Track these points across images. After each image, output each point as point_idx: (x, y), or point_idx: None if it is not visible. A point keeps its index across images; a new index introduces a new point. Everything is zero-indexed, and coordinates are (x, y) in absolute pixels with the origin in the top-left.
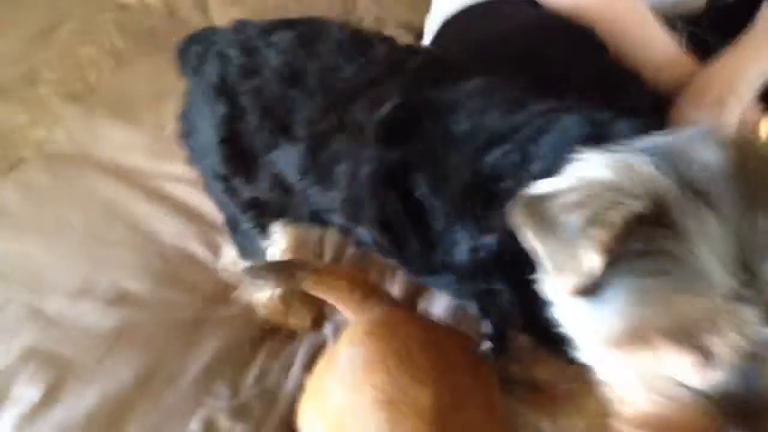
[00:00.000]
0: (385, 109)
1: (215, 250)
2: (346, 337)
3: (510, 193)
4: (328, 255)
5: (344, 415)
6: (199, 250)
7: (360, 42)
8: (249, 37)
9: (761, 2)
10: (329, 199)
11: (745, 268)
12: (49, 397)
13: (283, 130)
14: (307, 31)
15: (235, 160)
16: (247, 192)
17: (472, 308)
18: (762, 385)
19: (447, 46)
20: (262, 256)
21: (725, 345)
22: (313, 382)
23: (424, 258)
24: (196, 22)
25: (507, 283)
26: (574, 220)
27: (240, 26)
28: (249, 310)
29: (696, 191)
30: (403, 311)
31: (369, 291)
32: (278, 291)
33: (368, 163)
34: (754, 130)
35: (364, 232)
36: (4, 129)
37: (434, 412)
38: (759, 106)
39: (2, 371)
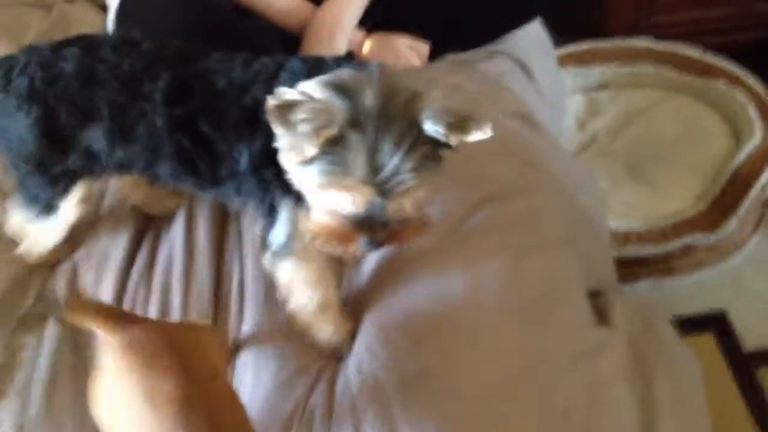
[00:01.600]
0: (164, 81)
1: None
2: (106, 355)
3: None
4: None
5: (119, 412)
6: None
7: (128, 43)
8: (43, 56)
9: None
10: (132, 151)
11: (373, 167)
12: None
13: (88, 116)
14: (86, 44)
15: (51, 146)
16: (58, 168)
17: (250, 202)
18: (378, 214)
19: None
20: (51, 209)
21: (361, 199)
22: (91, 393)
23: (213, 176)
24: None
25: (270, 169)
26: (303, 127)
27: (32, 49)
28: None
29: (357, 121)
30: (151, 326)
31: (120, 315)
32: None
33: (161, 118)
34: (360, 48)
35: (163, 167)
36: None
37: (181, 398)
38: (361, 31)
39: None
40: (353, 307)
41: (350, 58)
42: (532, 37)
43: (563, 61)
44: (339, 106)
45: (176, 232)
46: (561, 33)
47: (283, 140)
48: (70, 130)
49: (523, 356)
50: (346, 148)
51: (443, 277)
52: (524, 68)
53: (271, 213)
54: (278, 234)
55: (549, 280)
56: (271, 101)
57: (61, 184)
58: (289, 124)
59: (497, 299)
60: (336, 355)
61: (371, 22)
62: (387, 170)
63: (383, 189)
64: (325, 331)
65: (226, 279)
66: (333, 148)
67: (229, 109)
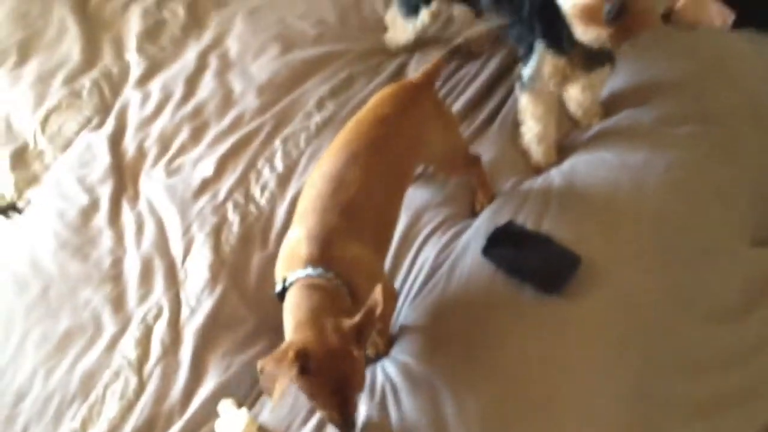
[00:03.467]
0: None
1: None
2: (391, 86)
3: None
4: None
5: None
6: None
7: None
8: None
9: None
10: None
11: None
12: None
13: None
14: None
15: None
16: None
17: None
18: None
19: None
20: (415, 12)
21: None
22: None
23: (510, 14)
24: None
25: (538, 21)
26: None
27: None
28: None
29: None
30: (427, 86)
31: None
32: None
33: None
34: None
35: (485, 1)
36: None
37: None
38: None
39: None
40: (563, 148)
41: None
42: None
43: None
44: None
45: (477, 63)
46: None
47: None
48: None
49: (671, 213)
50: None
51: (632, 151)
52: None
53: (528, 53)
54: (528, 70)
55: (714, 190)
56: None
57: None
58: None
59: (662, 174)
60: (536, 170)
61: None
62: None
63: None
64: (536, 154)
65: (488, 100)
66: None
67: None
